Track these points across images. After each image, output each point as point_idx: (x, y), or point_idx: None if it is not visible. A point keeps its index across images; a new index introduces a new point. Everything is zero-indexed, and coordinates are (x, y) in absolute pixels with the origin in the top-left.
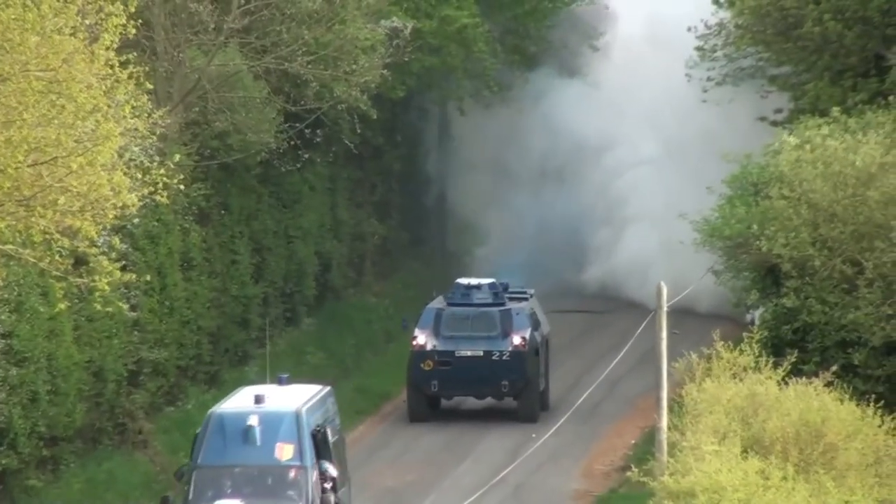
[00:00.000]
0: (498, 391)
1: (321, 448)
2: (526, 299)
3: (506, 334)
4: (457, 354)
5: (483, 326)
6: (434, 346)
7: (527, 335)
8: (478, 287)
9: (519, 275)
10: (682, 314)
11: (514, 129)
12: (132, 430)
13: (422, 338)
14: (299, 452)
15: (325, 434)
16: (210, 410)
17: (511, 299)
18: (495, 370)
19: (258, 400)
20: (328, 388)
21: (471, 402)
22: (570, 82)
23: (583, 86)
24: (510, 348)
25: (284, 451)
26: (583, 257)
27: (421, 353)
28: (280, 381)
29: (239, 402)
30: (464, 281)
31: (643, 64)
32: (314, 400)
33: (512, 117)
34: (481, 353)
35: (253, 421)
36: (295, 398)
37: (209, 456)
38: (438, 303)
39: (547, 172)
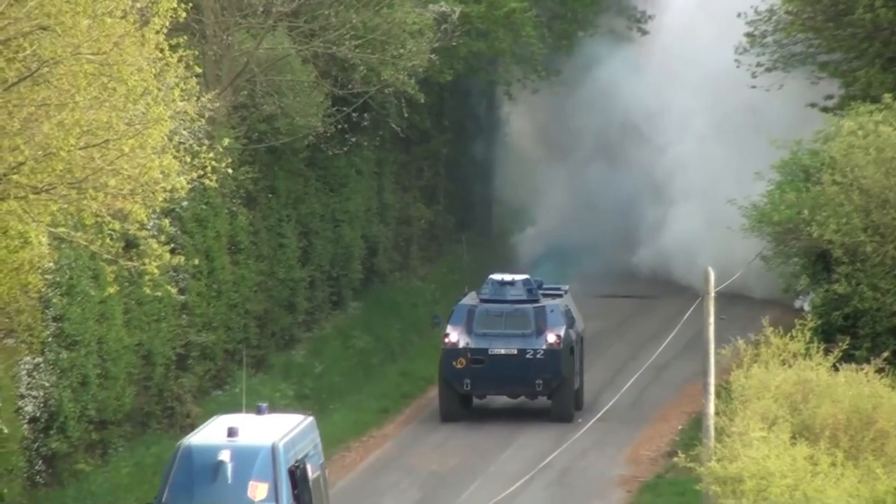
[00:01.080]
0: (532, 390)
1: (300, 486)
2: (560, 296)
3: (540, 332)
4: (490, 352)
5: (517, 324)
6: (467, 344)
7: (562, 333)
8: (511, 283)
9: (563, 260)
10: (730, 299)
11: (563, 108)
12: (180, 414)
13: (454, 335)
14: (274, 492)
15: (304, 471)
16: (178, 443)
17: (545, 296)
18: (529, 369)
19: (231, 433)
20: (310, 419)
21: (502, 401)
22: (619, 56)
23: (631, 61)
24: (545, 346)
25: (258, 491)
26: (633, 238)
27: (453, 350)
28: (259, 411)
29: (211, 434)
30: (497, 277)
31: (692, 42)
32: (294, 432)
33: (560, 96)
34: (515, 351)
35: (224, 456)
36: (272, 430)
37: (175, 494)
38: (471, 299)
39: (597, 150)
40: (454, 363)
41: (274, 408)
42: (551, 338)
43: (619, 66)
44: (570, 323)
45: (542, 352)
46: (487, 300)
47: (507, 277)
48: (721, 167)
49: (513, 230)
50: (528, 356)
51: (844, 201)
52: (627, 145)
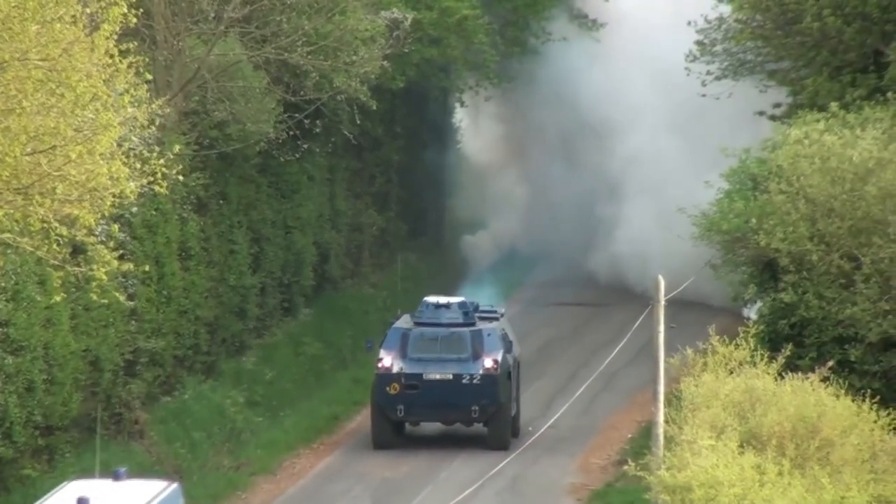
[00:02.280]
0: (468, 416)
1: None
2: (497, 319)
3: (477, 356)
4: (425, 377)
5: (453, 348)
6: (401, 369)
7: (499, 357)
8: (447, 306)
9: (517, 267)
10: (683, 306)
11: (520, 110)
12: (128, 420)
13: (387, 359)
14: None
15: None
16: None
17: (482, 319)
18: (465, 394)
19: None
20: (175, 486)
21: (435, 427)
22: (574, 55)
23: (586, 59)
24: (481, 371)
25: None
26: (590, 242)
27: (387, 375)
28: (116, 476)
29: None
30: (432, 299)
31: (645, 38)
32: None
33: (516, 98)
34: (451, 377)
35: None
36: (129, 501)
37: None
38: (405, 322)
39: (555, 151)
40: (387, 389)
41: (135, 473)
42: (488, 362)
43: (574, 64)
44: (508, 347)
45: (478, 377)
46: (422, 323)
47: (443, 300)
48: (674, 165)
49: (464, 236)
50: (464, 381)
51: (791, 210)
52: (584, 145)
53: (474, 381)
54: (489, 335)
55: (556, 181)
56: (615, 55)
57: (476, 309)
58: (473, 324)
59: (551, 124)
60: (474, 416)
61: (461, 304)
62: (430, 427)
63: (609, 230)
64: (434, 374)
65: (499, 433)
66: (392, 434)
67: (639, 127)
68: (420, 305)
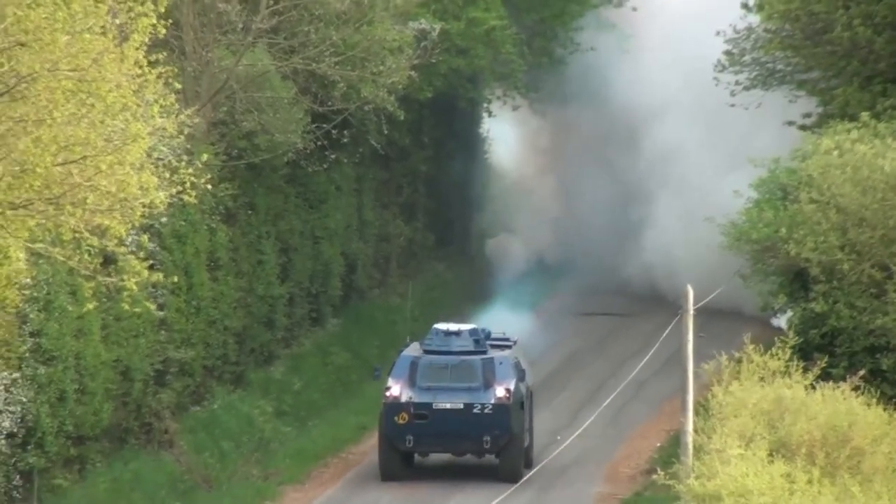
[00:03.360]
0: (479, 447)
1: None
2: (510, 347)
3: (488, 385)
4: (434, 407)
5: (463, 376)
6: (410, 398)
7: (511, 386)
8: (457, 333)
9: (546, 277)
10: (712, 315)
11: (552, 117)
12: (158, 430)
13: (396, 388)
14: None
15: None
16: None
17: (494, 346)
18: (477, 424)
19: None
20: None
21: (445, 458)
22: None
23: (620, 60)
24: (493, 401)
25: None
26: (620, 250)
27: (395, 405)
28: None
29: None
30: (442, 326)
31: (679, 39)
32: None
33: (546, 105)
34: (461, 406)
35: None
36: None
37: None
38: (414, 350)
39: (587, 157)
40: (396, 418)
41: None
42: (500, 392)
43: (603, 63)
44: (521, 376)
45: (490, 406)
46: (431, 351)
47: (453, 327)
48: (701, 163)
49: (490, 243)
50: (475, 411)
51: (821, 219)
52: (614, 146)
53: (486, 410)
54: (501, 363)
55: (587, 188)
56: (644, 53)
57: (488, 336)
58: (485, 352)
59: (581, 128)
60: (486, 447)
61: (472, 332)
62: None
63: (638, 238)
64: (444, 404)
65: (511, 465)
66: (401, 465)
67: (667, 124)
68: (429, 333)
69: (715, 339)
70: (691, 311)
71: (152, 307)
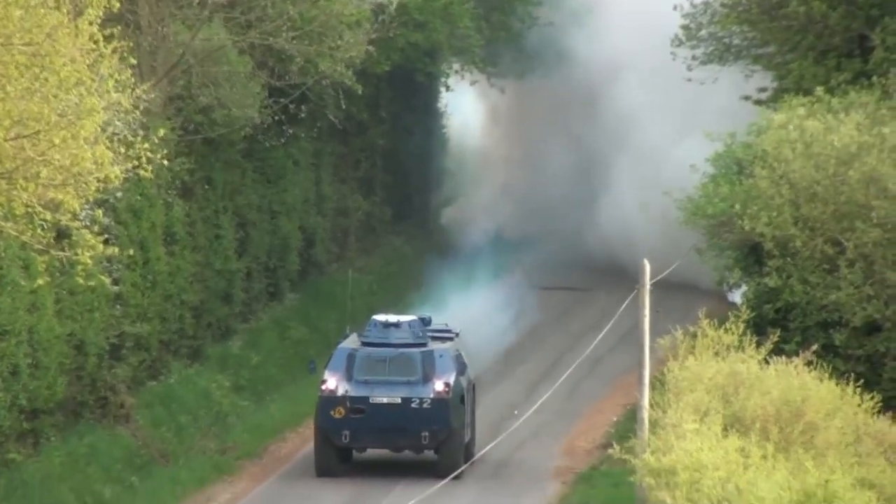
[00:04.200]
0: (417, 443)
1: None
2: (451, 339)
3: (427, 379)
4: (371, 401)
5: (402, 370)
6: (346, 392)
7: (451, 380)
8: (396, 325)
9: (505, 250)
10: (668, 290)
11: (509, 87)
12: (114, 404)
13: (332, 382)
14: None
15: None
16: None
17: (434, 339)
18: (415, 419)
19: None
20: None
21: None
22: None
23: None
24: (432, 395)
25: None
26: (578, 222)
27: (331, 399)
28: None
29: None
30: (380, 318)
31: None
32: None
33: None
34: (399, 400)
35: None
36: None
37: None
38: (352, 342)
39: (545, 127)
40: (332, 413)
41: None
42: (439, 386)
43: (564, 30)
44: (461, 369)
45: (428, 401)
46: (370, 343)
47: (392, 318)
48: (660, 133)
49: (450, 218)
50: (413, 405)
51: (775, 195)
52: (576, 117)
53: (424, 405)
54: (441, 356)
55: (547, 161)
56: (603, 21)
57: (428, 323)
58: (425, 344)
59: (540, 99)
60: (424, 443)
61: (412, 324)
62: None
63: (596, 210)
64: (381, 398)
65: (450, 460)
66: (337, 461)
67: (624, 88)
68: (368, 324)
69: (671, 314)
70: (647, 286)
71: (107, 281)
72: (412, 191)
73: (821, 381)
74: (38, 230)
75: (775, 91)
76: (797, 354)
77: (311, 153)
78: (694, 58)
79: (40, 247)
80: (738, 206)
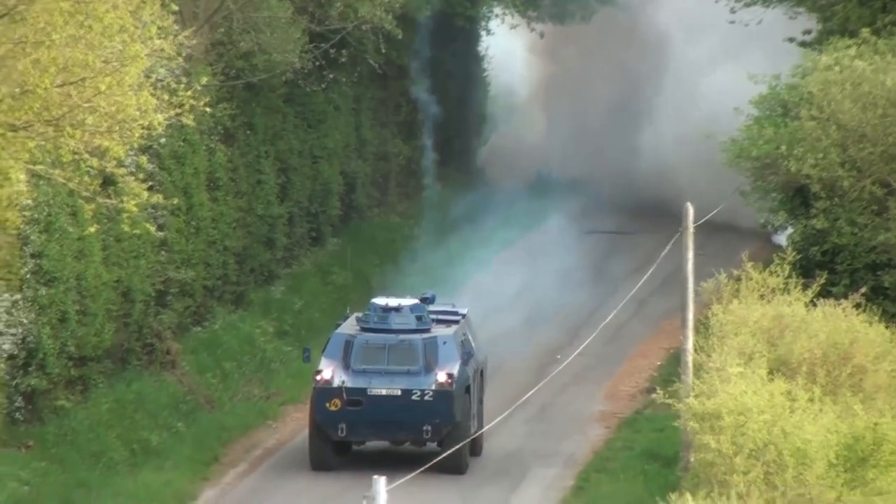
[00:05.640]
0: (419, 436)
1: None
2: (457, 321)
3: (429, 369)
4: (369, 392)
5: (402, 358)
6: (342, 382)
7: (455, 371)
8: (397, 309)
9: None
10: (710, 233)
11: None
12: (160, 351)
13: (328, 371)
14: None
15: None
16: None
17: (439, 321)
18: (416, 412)
19: None
20: None
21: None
22: None
23: None
24: (434, 387)
25: None
26: (622, 165)
27: (326, 390)
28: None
29: None
30: (380, 301)
31: None
32: None
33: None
34: (399, 392)
35: None
36: None
37: None
38: (350, 327)
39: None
40: (327, 405)
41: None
42: (442, 377)
43: None
44: (467, 357)
45: (430, 393)
46: (369, 329)
47: (393, 302)
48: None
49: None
50: (414, 398)
51: (822, 136)
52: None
53: (426, 397)
54: (445, 343)
55: (589, 101)
56: None
57: (432, 301)
58: (428, 330)
59: (582, 40)
60: (426, 437)
61: (414, 308)
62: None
63: (638, 152)
64: (380, 389)
65: (455, 455)
66: (333, 455)
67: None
68: (368, 307)
69: (714, 256)
70: (691, 229)
71: (152, 229)
72: (453, 135)
73: (869, 323)
74: (85, 177)
75: (820, 33)
76: (845, 297)
77: (352, 98)
78: (738, 0)
79: (87, 194)
80: (783, 148)
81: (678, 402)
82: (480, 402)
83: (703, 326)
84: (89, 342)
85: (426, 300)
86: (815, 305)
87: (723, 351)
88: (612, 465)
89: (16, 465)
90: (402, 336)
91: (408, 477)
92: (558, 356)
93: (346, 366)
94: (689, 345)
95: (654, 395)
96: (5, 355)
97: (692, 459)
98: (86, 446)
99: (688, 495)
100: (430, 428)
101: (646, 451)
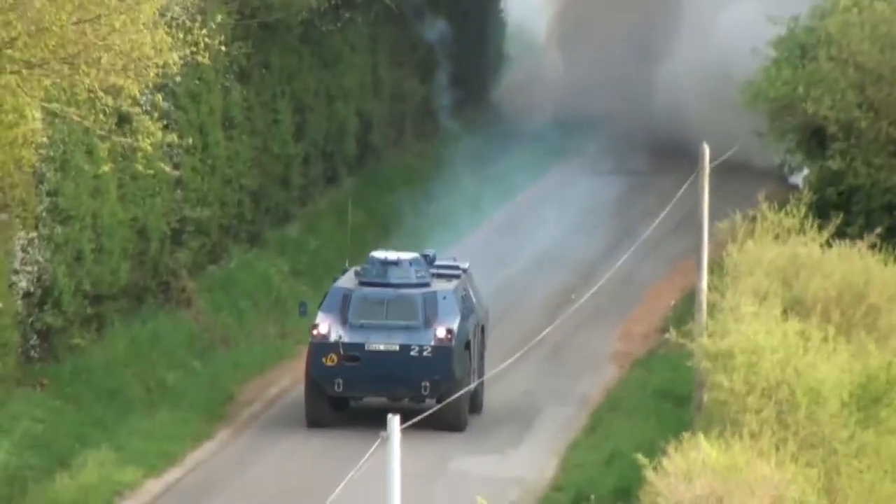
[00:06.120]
0: (417, 393)
1: None
2: (458, 276)
3: (428, 324)
4: (367, 348)
5: (401, 313)
6: (339, 337)
7: (454, 326)
8: (396, 263)
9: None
10: (725, 172)
11: None
12: (176, 289)
13: (324, 326)
14: None
15: None
16: None
17: (440, 276)
18: (414, 368)
19: None
20: None
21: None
22: None
23: None
24: (433, 342)
25: None
26: (638, 105)
27: (323, 344)
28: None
29: None
30: (379, 255)
31: None
32: None
33: None
34: (397, 347)
35: None
36: None
37: None
38: (349, 281)
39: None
40: (324, 360)
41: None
42: (441, 332)
43: None
44: (467, 312)
45: (429, 348)
46: (367, 283)
47: (392, 255)
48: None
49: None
50: (412, 353)
51: (840, 77)
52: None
53: (424, 353)
54: (445, 298)
55: (605, 40)
56: None
57: (432, 262)
58: (427, 285)
59: None
60: (425, 393)
61: (414, 262)
62: None
63: (655, 88)
64: (378, 345)
65: (454, 412)
66: (329, 411)
67: None
68: (367, 261)
69: (729, 197)
70: (707, 170)
71: (167, 167)
72: (470, 74)
73: (885, 263)
74: (100, 116)
75: None
76: (860, 238)
77: (368, 37)
78: None
79: (102, 132)
80: (801, 90)
81: (691, 341)
82: (482, 358)
83: (717, 266)
84: (105, 280)
85: (426, 259)
86: (830, 246)
87: (737, 291)
88: (626, 404)
89: (31, 403)
90: (401, 290)
91: (423, 416)
92: (572, 296)
93: (344, 320)
94: (704, 284)
95: (667, 335)
96: (21, 293)
97: (705, 399)
98: (101, 385)
99: (700, 435)
100: (428, 384)
101: (659, 391)
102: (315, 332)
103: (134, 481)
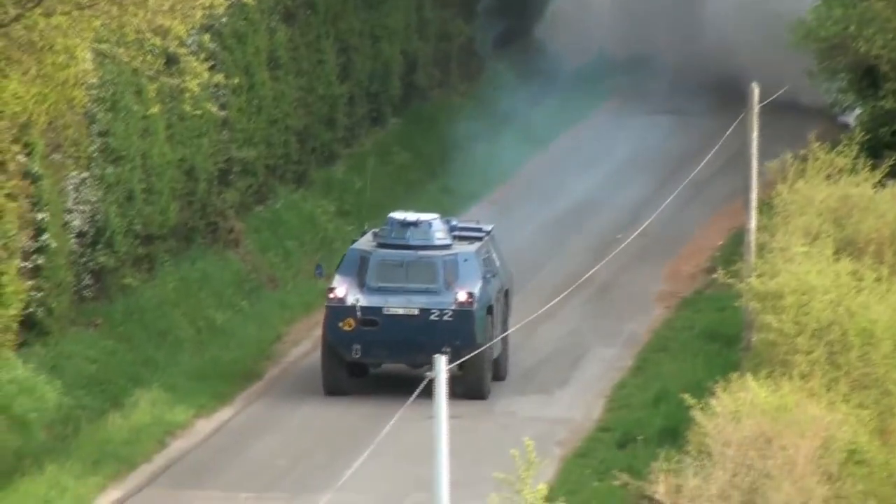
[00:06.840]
0: None
1: None
2: (480, 239)
3: (449, 287)
4: (385, 312)
5: (421, 276)
6: (357, 301)
7: (476, 289)
8: (416, 224)
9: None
10: (774, 112)
11: None
12: (223, 229)
13: (341, 289)
14: None
15: None
16: None
17: (462, 238)
18: (434, 333)
19: None
20: None
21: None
22: None
23: None
24: (454, 306)
25: None
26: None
27: (340, 308)
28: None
29: None
30: (398, 216)
31: None
32: None
33: None
34: (417, 311)
35: None
36: None
37: None
38: (367, 243)
39: None
40: (340, 324)
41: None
42: (462, 295)
43: None
44: (490, 275)
45: (450, 312)
46: (386, 245)
47: (412, 216)
48: None
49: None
50: (432, 317)
51: (892, 16)
52: None
53: (445, 317)
54: (466, 261)
55: None
56: None
57: (453, 229)
58: (449, 246)
59: None
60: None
61: (433, 223)
62: None
63: (705, 31)
64: (397, 308)
65: (476, 379)
66: (347, 378)
67: None
68: (386, 222)
69: (779, 136)
70: (756, 109)
71: (214, 108)
72: (514, 14)
73: None
74: (148, 56)
75: None
76: None
77: None
78: None
79: (150, 73)
80: (852, 29)
81: (740, 281)
82: (505, 322)
83: (767, 206)
84: (155, 220)
85: (447, 222)
86: (883, 186)
87: (787, 230)
88: (672, 344)
89: (84, 343)
90: (420, 252)
91: (458, 362)
92: (619, 236)
93: (362, 283)
94: (753, 224)
95: (715, 275)
96: (75, 232)
97: (753, 339)
98: (152, 324)
99: (749, 375)
100: (449, 350)
101: (706, 331)
102: (331, 295)
103: (185, 421)
